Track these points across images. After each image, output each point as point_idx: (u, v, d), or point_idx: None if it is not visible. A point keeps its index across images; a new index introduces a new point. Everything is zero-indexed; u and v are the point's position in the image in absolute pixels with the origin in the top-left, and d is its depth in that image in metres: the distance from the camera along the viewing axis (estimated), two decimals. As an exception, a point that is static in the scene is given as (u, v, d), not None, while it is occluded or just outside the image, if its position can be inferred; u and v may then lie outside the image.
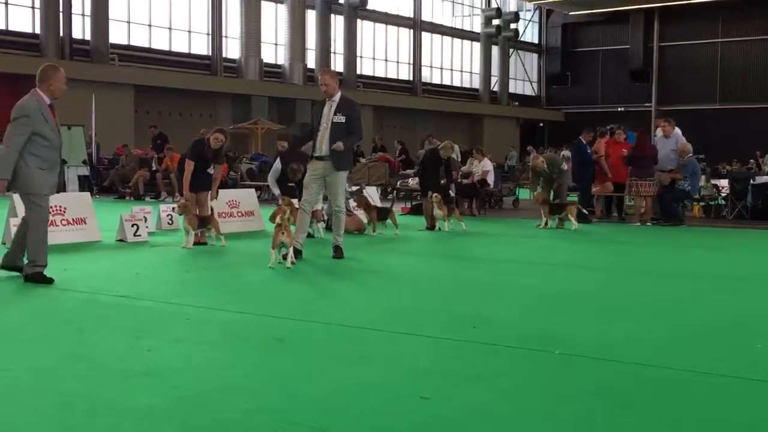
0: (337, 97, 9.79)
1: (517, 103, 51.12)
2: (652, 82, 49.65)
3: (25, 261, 7.82)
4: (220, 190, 11.93)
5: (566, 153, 26.22)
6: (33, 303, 6.83)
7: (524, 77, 53.76)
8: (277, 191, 12.14)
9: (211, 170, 11.42)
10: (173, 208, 12.96)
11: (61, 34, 29.62)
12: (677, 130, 16.19)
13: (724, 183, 19.13)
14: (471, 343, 5.45)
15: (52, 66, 8.01)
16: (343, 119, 9.63)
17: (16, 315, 6.30)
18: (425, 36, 45.63)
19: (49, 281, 7.62)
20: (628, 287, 8.23)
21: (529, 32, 53.59)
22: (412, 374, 4.66)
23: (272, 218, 9.33)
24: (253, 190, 15.61)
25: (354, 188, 13.53)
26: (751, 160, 34.07)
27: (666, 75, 49.33)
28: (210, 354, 5.08)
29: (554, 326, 6.07)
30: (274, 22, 37.37)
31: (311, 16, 37.96)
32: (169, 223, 13.40)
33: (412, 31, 44.76)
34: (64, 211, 11.26)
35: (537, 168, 15.44)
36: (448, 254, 11.33)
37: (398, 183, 21.55)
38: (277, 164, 12.73)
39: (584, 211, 15.29)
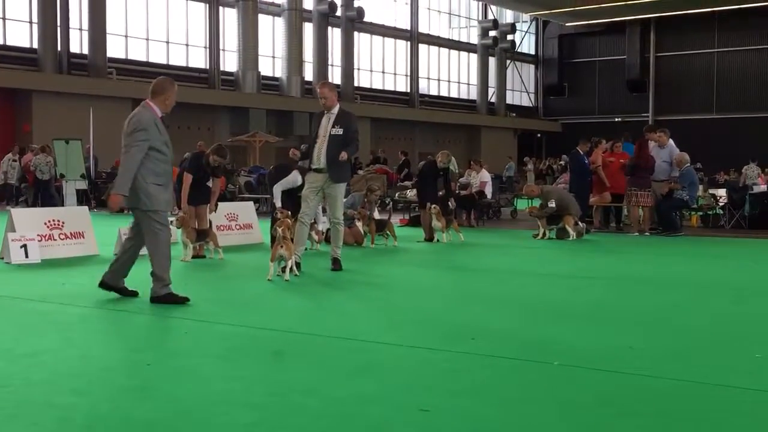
0: (336, 109, 9.81)
1: (514, 114, 51.21)
2: (649, 92, 49.78)
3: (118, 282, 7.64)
4: (218, 203, 11.93)
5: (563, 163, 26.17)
6: (31, 317, 6.81)
7: (521, 88, 53.89)
8: (278, 203, 12.02)
9: (209, 183, 11.43)
10: (171, 222, 12.93)
11: (59, 48, 29.70)
12: (670, 141, 16.24)
13: (721, 192, 19.15)
14: (470, 355, 5.45)
15: (168, 79, 7.91)
16: (341, 131, 9.65)
17: (14, 330, 6.29)
18: (422, 48, 45.75)
19: (185, 300, 7.33)
20: (627, 297, 8.23)
21: (526, 43, 53.75)
22: (411, 386, 4.65)
23: (274, 230, 9.28)
24: (252, 202, 15.61)
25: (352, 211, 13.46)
26: (731, 170, 33.88)
27: (663, 85, 49.47)
28: (209, 367, 5.07)
29: (553, 337, 6.06)
30: (272, 35, 37.49)
31: (308, 28, 38.07)
32: (167, 237, 13.38)
33: (409, 43, 44.89)
34: (62, 225, 11.26)
35: (530, 195, 15.70)
36: (446, 265, 11.33)
37: (396, 194, 21.57)
38: (296, 178, 12.08)
39: (580, 223, 15.22)
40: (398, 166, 28.10)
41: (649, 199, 15.57)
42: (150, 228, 7.42)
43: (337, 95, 10.04)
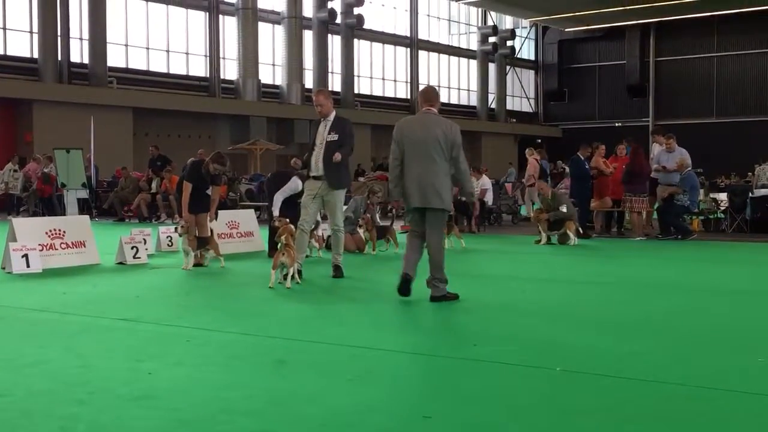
0: (332, 116, 9.85)
1: (514, 120, 51.23)
2: (650, 97, 49.80)
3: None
4: (219, 211, 11.93)
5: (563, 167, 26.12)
6: (33, 327, 6.81)
7: (521, 94, 53.92)
8: (276, 212, 12.02)
9: (209, 191, 11.42)
10: (175, 229, 12.95)
11: (60, 58, 29.75)
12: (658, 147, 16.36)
13: (722, 196, 19.14)
14: (472, 361, 5.44)
15: (435, 88, 8.73)
16: (336, 137, 9.68)
17: (16, 340, 6.29)
18: (422, 54, 45.81)
19: (456, 296, 7.89)
20: (628, 302, 8.22)
21: (526, 49, 53.81)
22: (413, 393, 4.64)
23: (278, 237, 9.28)
24: (253, 210, 15.61)
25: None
26: (749, 174, 33.87)
27: (663, 90, 49.49)
28: (211, 376, 5.06)
29: (555, 342, 6.05)
30: (272, 43, 37.54)
31: (308, 36, 38.13)
32: (168, 245, 13.41)
33: (409, 49, 44.94)
34: (64, 235, 11.26)
35: (541, 192, 15.45)
36: (448, 272, 11.28)
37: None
38: (297, 184, 12.12)
39: (580, 230, 15.21)
40: None
41: (644, 204, 15.70)
42: (441, 227, 8.12)
43: (332, 102, 10.06)
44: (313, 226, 10.82)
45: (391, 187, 8.33)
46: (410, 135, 7.99)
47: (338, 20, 38.91)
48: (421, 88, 9.54)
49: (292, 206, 11.76)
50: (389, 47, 44.15)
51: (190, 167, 11.63)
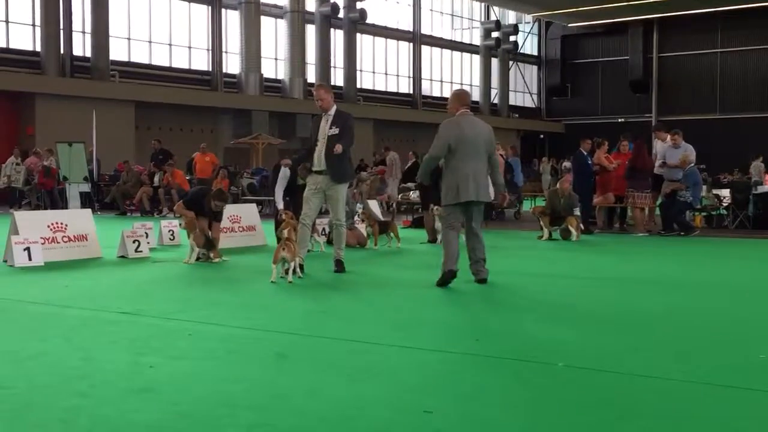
0: (333, 110, 9.85)
1: (517, 115, 51.19)
2: (652, 93, 49.74)
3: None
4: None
5: (567, 165, 26.17)
6: (35, 320, 6.82)
7: (524, 89, 53.88)
8: (281, 205, 12.07)
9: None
10: (180, 224, 12.95)
11: (62, 51, 29.74)
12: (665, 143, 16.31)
13: (725, 193, 19.11)
14: (474, 356, 5.44)
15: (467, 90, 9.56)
16: (337, 131, 9.68)
17: (18, 333, 6.29)
18: (425, 49, 45.76)
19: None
20: (630, 298, 8.21)
21: (529, 44, 53.74)
22: (414, 388, 4.64)
23: (279, 231, 9.28)
24: (255, 204, 15.61)
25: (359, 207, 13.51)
26: (750, 168, 33.64)
27: (666, 85, 49.42)
28: (212, 369, 5.06)
29: (557, 338, 6.05)
30: (274, 37, 37.53)
31: (311, 30, 38.10)
32: (170, 239, 13.42)
33: (411, 44, 44.90)
34: (66, 228, 11.26)
35: (563, 192, 15.11)
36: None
37: (400, 196, 21.54)
38: (285, 172, 12.42)
39: (582, 225, 15.21)
40: (408, 167, 27.74)
41: (647, 200, 15.68)
42: (481, 217, 9.18)
43: (333, 96, 10.06)
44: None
45: (422, 175, 9.29)
46: (462, 135, 8.60)
47: (341, 14, 38.87)
48: (454, 89, 10.11)
49: (296, 199, 11.80)
50: (392, 42, 44.12)
51: (192, 195, 11.77)
